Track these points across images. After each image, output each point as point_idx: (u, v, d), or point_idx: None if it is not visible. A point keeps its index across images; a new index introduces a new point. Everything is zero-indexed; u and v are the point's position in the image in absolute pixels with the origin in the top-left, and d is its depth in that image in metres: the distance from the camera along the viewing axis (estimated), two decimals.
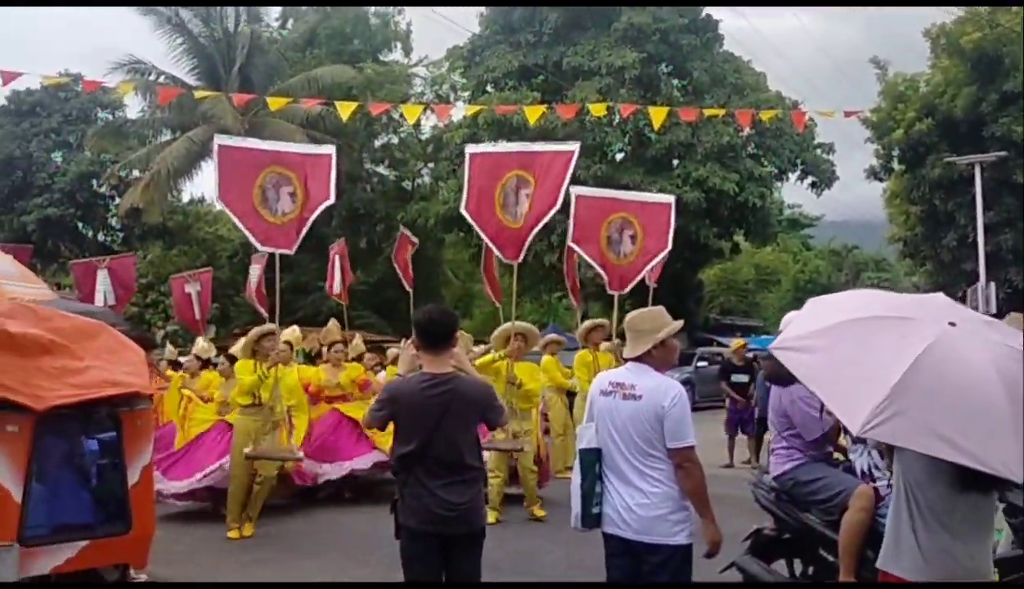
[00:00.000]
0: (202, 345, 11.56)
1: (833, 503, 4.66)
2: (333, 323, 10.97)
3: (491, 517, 8.22)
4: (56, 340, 4.04)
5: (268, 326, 8.61)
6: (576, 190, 9.28)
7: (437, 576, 3.99)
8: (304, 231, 8.54)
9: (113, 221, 32.87)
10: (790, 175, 27.62)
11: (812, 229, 52.87)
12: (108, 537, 4.10)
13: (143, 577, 6.64)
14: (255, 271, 13.86)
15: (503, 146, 9.70)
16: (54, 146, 31.83)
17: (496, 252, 8.88)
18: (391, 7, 33.17)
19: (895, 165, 24.14)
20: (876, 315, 3.28)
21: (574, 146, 8.81)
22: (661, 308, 4.26)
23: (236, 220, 8.53)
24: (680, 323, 4.30)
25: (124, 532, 4.13)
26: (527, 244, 8.59)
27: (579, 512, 4.01)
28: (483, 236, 8.78)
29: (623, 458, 3.96)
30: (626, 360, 4.20)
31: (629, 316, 4.22)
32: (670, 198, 10.12)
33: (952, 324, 3.14)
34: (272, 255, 8.86)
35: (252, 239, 8.51)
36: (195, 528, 8.55)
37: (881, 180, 25.32)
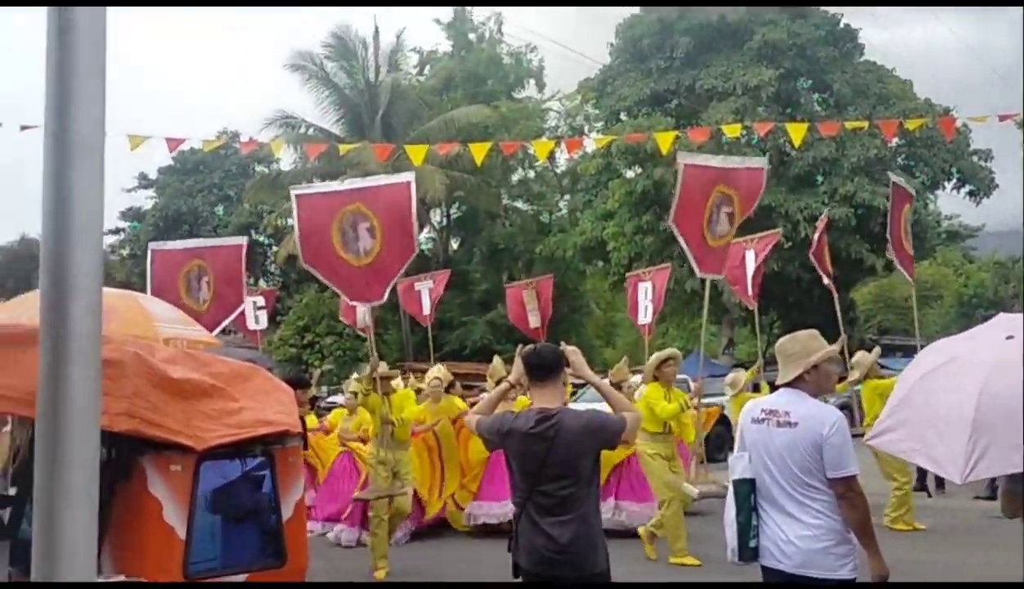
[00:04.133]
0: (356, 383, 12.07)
1: None
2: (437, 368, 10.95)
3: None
4: (214, 384, 4.30)
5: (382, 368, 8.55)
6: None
7: None
8: (394, 280, 8.26)
9: (272, 268, 34.76)
10: (945, 185, 26.23)
11: (973, 240, 49.77)
12: (264, 570, 4.31)
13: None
14: (361, 308, 14.42)
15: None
16: (216, 200, 34.11)
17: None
18: (524, 46, 33.84)
19: None
20: (932, 368, 3.23)
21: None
22: (814, 331, 4.10)
23: (323, 279, 8.25)
24: (836, 347, 4.16)
25: (279, 566, 4.33)
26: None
27: (735, 546, 3.87)
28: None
29: (780, 489, 3.80)
30: (777, 386, 4.04)
31: (780, 341, 4.10)
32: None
33: (1009, 337, 3.06)
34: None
35: (344, 296, 8.34)
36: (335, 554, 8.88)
37: None
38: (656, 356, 8.46)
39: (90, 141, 1.27)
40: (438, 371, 10.48)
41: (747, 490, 3.89)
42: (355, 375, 12.89)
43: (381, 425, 8.33)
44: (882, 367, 11.15)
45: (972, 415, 2.84)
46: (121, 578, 2.77)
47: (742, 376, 10.34)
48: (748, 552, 3.87)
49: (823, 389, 3.98)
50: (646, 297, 11.72)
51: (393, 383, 9.10)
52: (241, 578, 4.22)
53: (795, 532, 3.74)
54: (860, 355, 9.90)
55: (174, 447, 3.99)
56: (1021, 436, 2.76)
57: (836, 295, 11.87)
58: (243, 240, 11.48)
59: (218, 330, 10.71)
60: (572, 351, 4.25)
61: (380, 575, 8.00)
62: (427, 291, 15.03)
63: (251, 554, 4.40)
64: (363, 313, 15.25)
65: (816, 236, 12.06)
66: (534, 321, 13.79)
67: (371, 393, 8.31)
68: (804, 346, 3.96)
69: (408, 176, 8.35)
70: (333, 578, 7.96)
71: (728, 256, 12.21)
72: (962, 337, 3.51)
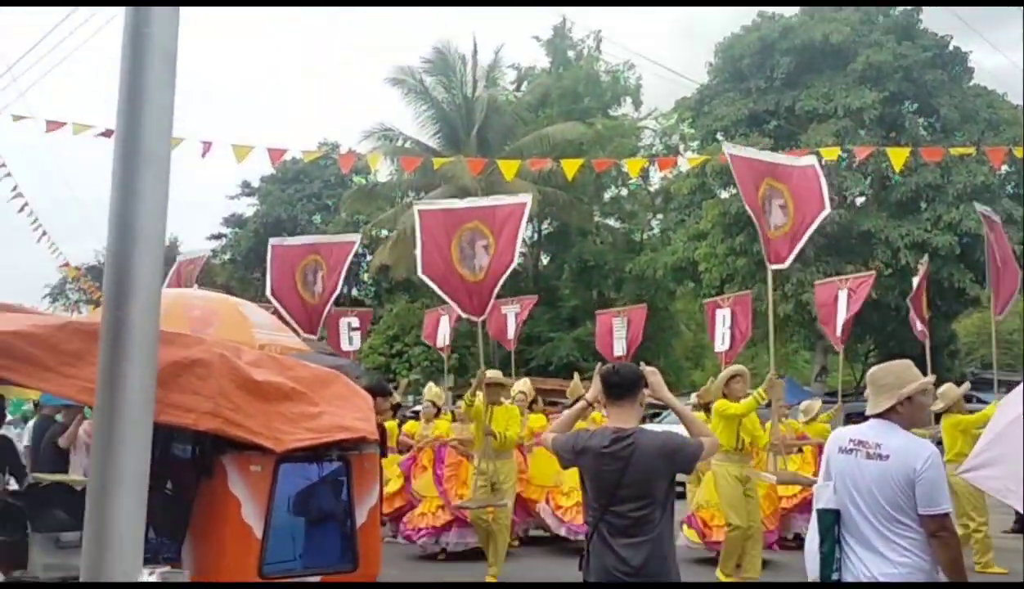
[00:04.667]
0: (435, 391, 12.19)
1: None
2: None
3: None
4: (296, 388, 4.40)
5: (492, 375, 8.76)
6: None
7: None
8: (494, 293, 8.56)
9: (365, 277, 35.48)
10: None
11: None
12: (337, 574, 4.38)
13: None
14: (445, 322, 14.67)
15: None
16: (315, 209, 35.04)
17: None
18: (621, 64, 33.77)
19: None
20: None
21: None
22: (908, 362, 3.99)
23: (437, 288, 8.63)
24: (930, 379, 4.04)
25: (352, 570, 4.39)
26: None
27: (817, 576, 3.79)
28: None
29: (867, 523, 3.70)
30: (867, 417, 3.93)
31: (873, 370, 4.02)
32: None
33: None
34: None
35: (456, 308, 8.70)
36: (421, 566, 8.97)
37: None
38: (724, 373, 8.41)
39: (157, 149, 1.34)
40: (523, 384, 10.51)
41: (831, 520, 3.79)
42: (431, 384, 13.06)
43: (483, 435, 8.40)
44: (979, 401, 10.70)
45: None
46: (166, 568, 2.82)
47: (816, 404, 10.25)
48: (829, 582, 3.76)
49: (916, 422, 3.89)
50: (724, 324, 11.52)
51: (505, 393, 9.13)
52: (315, 580, 4.30)
53: (880, 569, 3.63)
54: (947, 387, 9.53)
55: (254, 448, 4.09)
56: None
57: (928, 340, 11.50)
58: (357, 237, 12.42)
59: (320, 323, 11.50)
60: (651, 372, 4.21)
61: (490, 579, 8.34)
62: (513, 315, 15.07)
63: (325, 557, 4.47)
64: (444, 334, 15.53)
65: (917, 280, 11.71)
66: (619, 349, 13.71)
67: (475, 403, 8.39)
68: (898, 376, 3.86)
69: (526, 197, 8.83)
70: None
71: (817, 295, 11.98)
72: None
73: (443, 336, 15.37)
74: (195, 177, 54.45)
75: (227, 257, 38.06)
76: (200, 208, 57.44)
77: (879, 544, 3.66)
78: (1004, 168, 22.39)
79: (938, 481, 3.57)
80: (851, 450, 3.83)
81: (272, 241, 12.03)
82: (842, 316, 10.66)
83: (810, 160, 9.13)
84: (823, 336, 25.37)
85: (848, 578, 3.73)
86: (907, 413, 3.80)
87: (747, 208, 8.38)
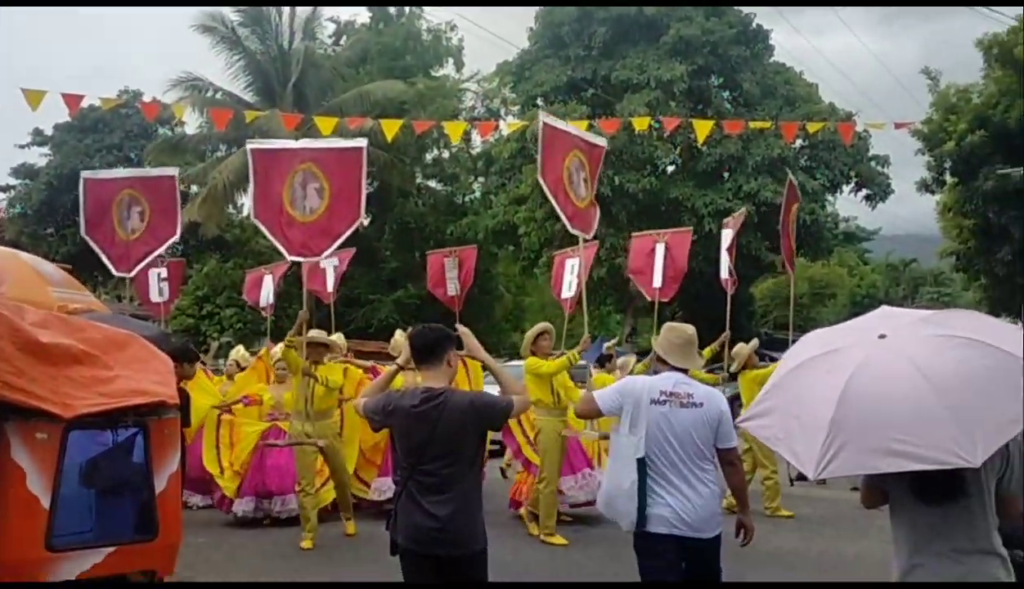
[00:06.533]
0: (241, 353, 11.88)
1: None
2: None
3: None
4: (87, 350, 4.13)
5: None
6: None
7: None
8: (338, 243, 8.38)
9: None
10: (844, 188, 27.18)
11: (870, 243, 51.90)
12: (135, 543, 4.17)
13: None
14: (268, 282, 14.24)
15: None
16: (116, 161, 32.71)
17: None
18: (444, 24, 33.54)
19: (947, 177, 23.58)
20: (808, 357, 3.30)
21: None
22: (690, 326, 4.63)
23: (266, 231, 8.38)
24: (721, 339, 4.72)
25: (151, 539, 4.19)
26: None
27: (633, 518, 4.25)
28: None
29: (683, 463, 4.23)
30: (659, 370, 4.54)
31: (670, 330, 4.58)
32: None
33: (882, 336, 3.12)
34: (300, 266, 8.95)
35: (283, 249, 8.30)
36: (236, 535, 8.72)
37: (933, 193, 24.76)
38: (532, 331, 8.68)
39: None
40: (337, 338, 10.30)
41: (643, 468, 4.24)
42: (239, 347, 12.71)
43: (301, 393, 8.14)
44: (772, 360, 11.46)
45: (832, 414, 2.90)
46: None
47: (631, 359, 10.68)
48: (643, 520, 4.24)
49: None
50: (572, 272, 11.65)
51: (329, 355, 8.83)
52: (109, 549, 4.09)
53: (694, 502, 4.21)
54: (739, 347, 10.18)
55: (41, 414, 3.82)
56: (875, 439, 2.83)
57: (733, 290, 12.09)
58: (175, 171, 11.57)
59: (141, 266, 10.98)
60: (464, 332, 4.27)
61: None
62: (332, 268, 14.77)
63: (121, 526, 4.26)
64: (268, 291, 15.03)
65: (735, 231, 12.08)
66: (452, 289, 13.62)
67: (292, 350, 8.07)
68: (692, 337, 4.52)
69: (362, 142, 8.52)
70: (219, 552, 7.82)
71: (633, 247, 12.38)
72: (842, 328, 3.55)
73: (266, 296, 14.90)
74: None
75: (16, 210, 35.04)
76: None
77: (693, 481, 4.22)
78: (798, 142, 24.01)
79: (731, 419, 4.25)
80: (663, 401, 4.29)
81: (84, 174, 11.40)
82: (659, 268, 11.07)
83: (602, 141, 9.48)
84: (634, 299, 26.54)
85: (665, 514, 4.19)
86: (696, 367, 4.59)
87: (540, 180, 8.46)
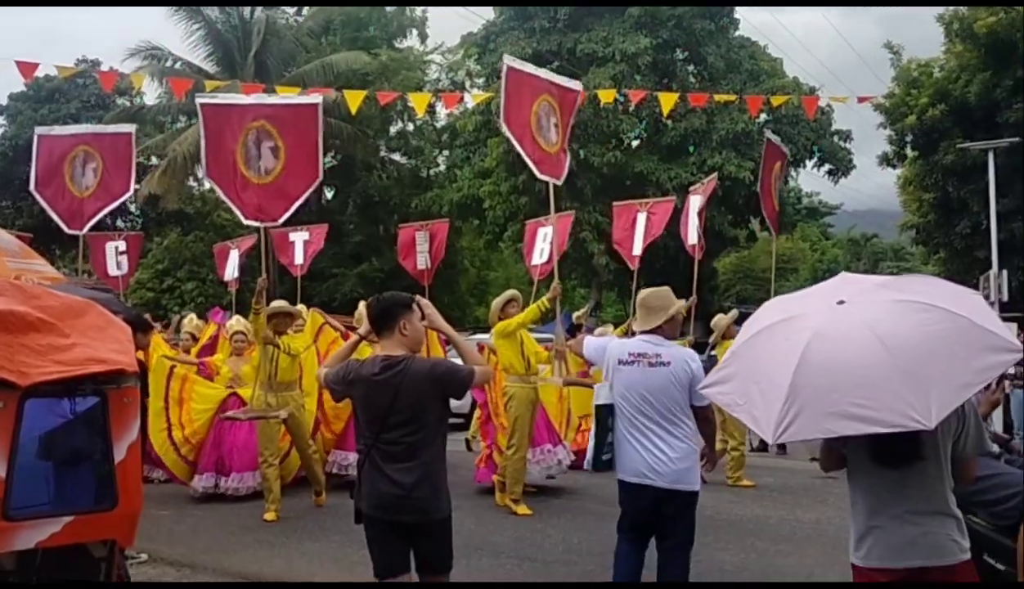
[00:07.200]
0: (196, 323, 11.79)
1: (1007, 506, 4.18)
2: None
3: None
4: (43, 318, 4.05)
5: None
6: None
7: (400, 558, 3.94)
8: (296, 204, 8.13)
9: (132, 207, 33.10)
10: (807, 163, 27.39)
11: (832, 218, 52.47)
12: (94, 513, 4.12)
13: (143, 556, 6.77)
14: (235, 256, 14.10)
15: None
16: None
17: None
18: None
19: (908, 151, 23.83)
20: (768, 324, 3.33)
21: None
22: (667, 289, 4.97)
23: (221, 193, 8.17)
24: (686, 303, 5.31)
25: (110, 508, 4.13)
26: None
27: (591, 458, 4.75)
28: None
29: (654, 420, 4.58)
30: (636, 333, 4.94)
31: (643, 294, 4.92)
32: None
33: (841, 302, 3.16)
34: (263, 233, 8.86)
35: (238, 212, 8.08)
36: (199, 508, 8.66)
37: (894, 167, 25.01)
38: (500, 298, 8.66)
39: None
40: (303, 310, 10.22)
41: (607, 413, 4.72)
42: (192, 316, 12.60)
43: (262, 360, 8.04)
44: None
45: (790, 379, 2.93)
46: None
47: (608, 329, 10.91)
48: (601, 464, 4.73)
49: (674, 335, 4.92)
50: (544, 240, 11.62)
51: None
52: (68, 519, 4.03)
53: (668, 455, 4.55)
54: (717, 317, 10.29)
55: None
56: (832, 403, 2.86)
57: (700, 256, 12.18)
58: (132, 127, 11.58)
59: (93, 221, 10.97)
60: (426, 304, 4.24)
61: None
62: (302, 243, 14.66)
63: (80, 496, 4.20)
64: (234, 265, 14.85)
65: (705, 197, 12.04)
66: (423, 262, 13.62)
67: (259, 317, 7.86)
68: (664, 300, 4.85)
69: (316, 98, 8.38)
70: (183, 524, 7.77)
71: (617, 216, 12.37)
72: (802, 294, 3.60)
73: (231, 270, 14.77)
74: None
75: None
76: None
77: (666, 436, 4.57)
78: (762, 116, 24.10)
79: (703, 377, 4.30)
80: (632, 361, 4.68)
81: (38, 130, 11.51)
82: (640, 237, 11.12)
83: (578, 85, 9.34)
84: (598, 273, 26.63)
85: (640, 467, 4.58)
86: (669, 328, 4.82)
87: (504, 125, 8.29)
